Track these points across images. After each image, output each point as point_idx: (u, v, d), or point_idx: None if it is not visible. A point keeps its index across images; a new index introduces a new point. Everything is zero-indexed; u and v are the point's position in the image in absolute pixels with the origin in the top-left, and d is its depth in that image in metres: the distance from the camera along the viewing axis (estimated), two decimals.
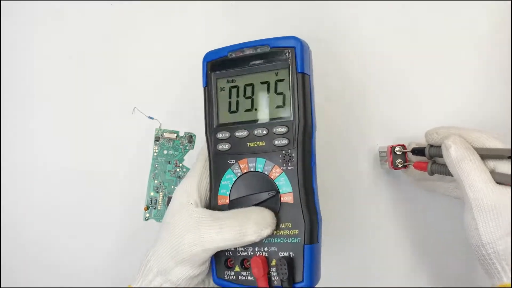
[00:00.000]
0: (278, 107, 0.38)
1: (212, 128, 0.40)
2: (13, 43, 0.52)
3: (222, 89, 0.40)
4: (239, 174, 0.39)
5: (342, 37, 0.51)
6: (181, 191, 0.40)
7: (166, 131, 0.50)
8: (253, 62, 0.39)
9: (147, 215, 0.51)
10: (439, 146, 0.39)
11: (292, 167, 0.37)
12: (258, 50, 0.39)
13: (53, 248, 0.51)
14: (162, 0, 0.52)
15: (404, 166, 0.46)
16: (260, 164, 0.38)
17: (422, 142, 0.45)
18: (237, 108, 0.40)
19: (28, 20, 0.53)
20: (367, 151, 0.50)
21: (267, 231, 0.35)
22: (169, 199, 0.49)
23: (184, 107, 0.50)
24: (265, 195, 0.37)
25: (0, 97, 0.52)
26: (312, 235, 0.36)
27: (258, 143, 0.38)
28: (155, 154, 0.51)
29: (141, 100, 0.51)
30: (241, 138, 0.39)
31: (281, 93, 0.38)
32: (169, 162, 0.51)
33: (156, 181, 0.51)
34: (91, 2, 0.52)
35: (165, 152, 0.51)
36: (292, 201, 0.37)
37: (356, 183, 0.50)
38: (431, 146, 0.42)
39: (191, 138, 0.50)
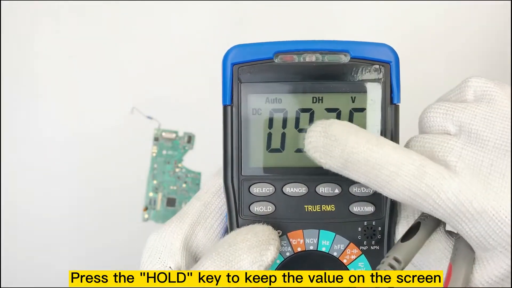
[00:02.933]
0: None
1: (239, 175, 0.25)
2: (13, 43, 0.52)
3: (258, 111, 0.25)
4: (288, 254, 0.24)
5: (340, 35, 0.44)
6: (158, 245, 0.25)
7: (165, 131, 0.50)
8: (316, 76, 0.24)
9: (146, 216, 0.50)
10: None
11: (377, 247, 0.24)
12: (328, 58, 0.24)
13: (52, 249, 0.51)
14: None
15: None
16: (325, 241, 0.24)
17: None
18: (283, 146, 0.25)
19: (28, 20, 0.52)
20: None
21: (271, 253, 0.23)
22: (168, 200, 0.49)
23: (183, 106, 0.50)
24: None
25: (0, 97, 0.51)
26: None
27: (324, 208, 0.24)
28: (154, 154, 0.50)
29: (140, 99, 0.50)
30: (295, 197, 0.24)
31: None
32: (168, 163, 0.50)
33: (155, 182, 0.50)
34: (91, 2, 0.51)
35: (164, 152, 0.50)
36: None
37: None
38: None
39: (190, 138, 0.50)
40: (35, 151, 0.51)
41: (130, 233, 0.49)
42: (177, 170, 0.50)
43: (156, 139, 0.51)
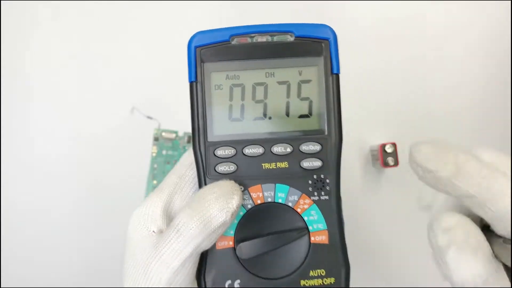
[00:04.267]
0: (302, 116, 0.29)
1: (205, 141, 0.29)
2: (13, 43, 0.52)
3: (219, 87, 0.29)
4: (249, 206, 0.28)
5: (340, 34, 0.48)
6: (141, 215, 0.28)
7: (165, 131, 0.50)
8: (268, 54, 0.29)
9: None
10: None
11: (327, 197, 0.28)
12: (276, 38, 0.29)
13: (52, 248, 0.51)
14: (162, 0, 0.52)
15: (395, 165, 0.46)
16: (281, 193, 0.28)
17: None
18: (242, 115, 0.29)
19: (28, 20, 0.52)
20: (358, 150, 0.51)
21: (235, 200, 0.27)
22: None
23: (183, 107, 0.46)
24: (293, 235, 0.28)
25: (0, 97, 0.52)
26: (347, 283, 0.28)
27: (279, 165, 0.28)
28: (153, 154, 0.50)
29: (140, 99, 0.51)
30: (253, 156, 0.28)
31: (306, 99, 0.29)
32: (168, 163, 0.50)
33: (155, 182, 0.50)
34: (91, 2, 0.52)
35: (164, 152, 0.50)
36: (327, 242, 0.28)
37: (347, 183, 0.48)
38: None
39: (190, 138, 0.50)
40: (33, 150, 0.51)
41: None
42: None
43: (156, 139, 0.51)
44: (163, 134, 0.50)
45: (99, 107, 0.51)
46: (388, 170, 0.51)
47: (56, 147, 0.51)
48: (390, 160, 0.46)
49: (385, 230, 0.50)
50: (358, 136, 0.51)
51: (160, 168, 0.50)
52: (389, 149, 0.46)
